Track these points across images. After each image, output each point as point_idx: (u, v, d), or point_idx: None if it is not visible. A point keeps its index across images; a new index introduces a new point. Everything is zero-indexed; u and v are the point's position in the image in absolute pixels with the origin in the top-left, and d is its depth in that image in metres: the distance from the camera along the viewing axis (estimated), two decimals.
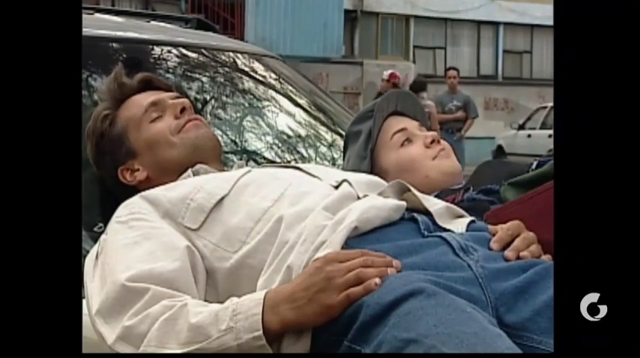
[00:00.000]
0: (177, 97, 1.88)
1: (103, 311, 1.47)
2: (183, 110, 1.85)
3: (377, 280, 1.34)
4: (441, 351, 1.20)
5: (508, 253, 1.48)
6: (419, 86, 9.84)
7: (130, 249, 1.53)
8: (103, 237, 1.61)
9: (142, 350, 1.40)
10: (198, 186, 1.64)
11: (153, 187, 1.71)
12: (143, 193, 1.66)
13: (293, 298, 1.36)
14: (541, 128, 15.40)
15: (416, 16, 19.24)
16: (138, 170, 1.82)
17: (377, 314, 1.30)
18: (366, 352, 1.29)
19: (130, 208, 1.63)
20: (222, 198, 1.60)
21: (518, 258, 1.48)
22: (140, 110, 1.84)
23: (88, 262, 1.58)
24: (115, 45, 2.46)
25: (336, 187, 1.63)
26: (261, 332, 1.35)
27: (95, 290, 1.51)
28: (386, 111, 2.05)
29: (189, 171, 1.77)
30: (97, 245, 1.61)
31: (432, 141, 2.00)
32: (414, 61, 18.97)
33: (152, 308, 1.43)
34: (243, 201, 1.60)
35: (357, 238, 1.48)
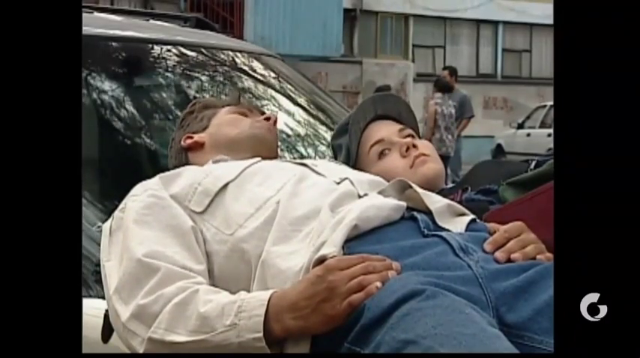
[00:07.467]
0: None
1: (120, 288, 1.50)
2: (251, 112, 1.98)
3: (378, 284, 1.35)
4: (439, 352, 1.20)
5: (498, 254, 1.47)
6: (448, 87, 9.61)
7: (145, 227, 1.57)
8: (118, 214, 1.63)
9: (152, 331, 1.43)
10: (207, 171, 1.68)
11: (200, 157, 1.82)
12: (161, 174, 1.70)
13: (296, 307, 1.37)
14: (540, 127, 15.39)
15: (415, 15, 19.21)
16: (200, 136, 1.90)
17: (377, 316, 1.30)
18: (365, 353, 1.29)
19: (145, 186, 1.66)
20: (228, 183, 1.64)
21: (509, 260, 1.47)
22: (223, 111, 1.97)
23: (103, 239, 1.62)
24: (114, 44, 2.47)
25: (338, 183, 1.63)
26: (261, 334, 1.36)
27: (113, 268, 1.55)
28: (363, 122, 1.99)
29: (210, 161, 1.81)
30: (110, 220, 1.64)
31: (407, 149, 1.93)
32: (413, 60, 18.95)
33: (167, 288, 1.46)
34: (248, 188, 1.63)
35: (357, 239, 1.48)
